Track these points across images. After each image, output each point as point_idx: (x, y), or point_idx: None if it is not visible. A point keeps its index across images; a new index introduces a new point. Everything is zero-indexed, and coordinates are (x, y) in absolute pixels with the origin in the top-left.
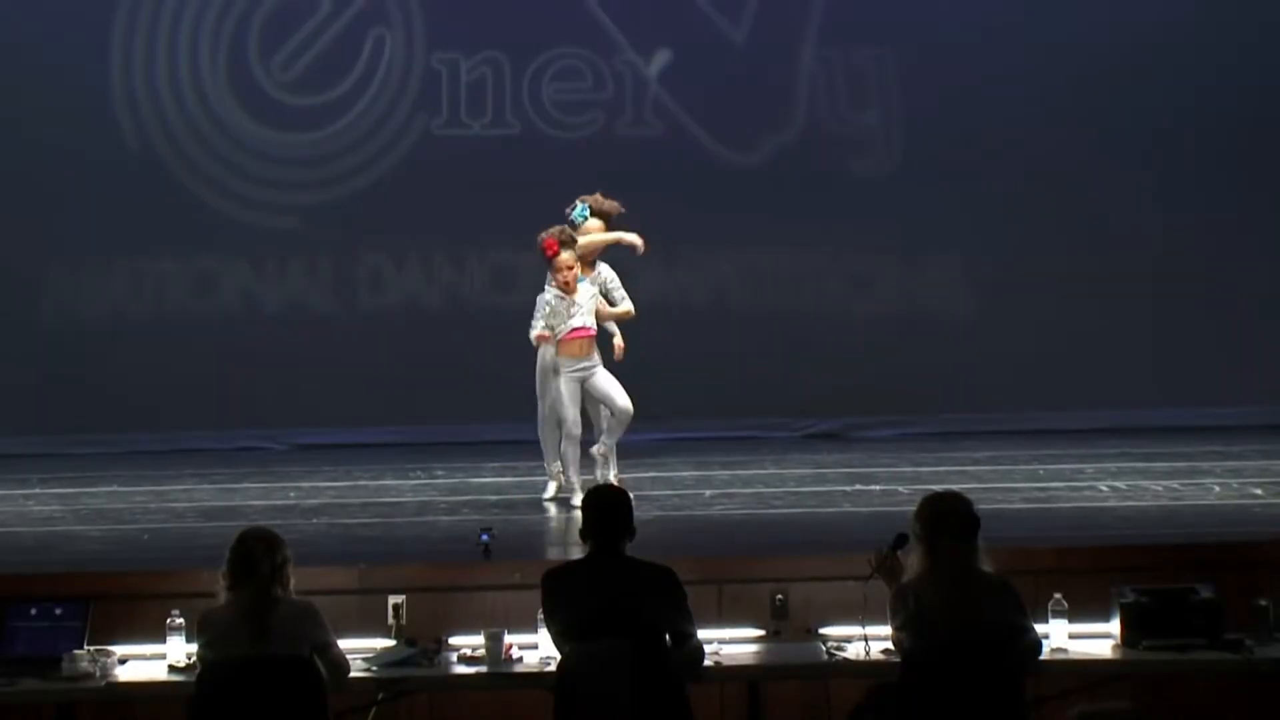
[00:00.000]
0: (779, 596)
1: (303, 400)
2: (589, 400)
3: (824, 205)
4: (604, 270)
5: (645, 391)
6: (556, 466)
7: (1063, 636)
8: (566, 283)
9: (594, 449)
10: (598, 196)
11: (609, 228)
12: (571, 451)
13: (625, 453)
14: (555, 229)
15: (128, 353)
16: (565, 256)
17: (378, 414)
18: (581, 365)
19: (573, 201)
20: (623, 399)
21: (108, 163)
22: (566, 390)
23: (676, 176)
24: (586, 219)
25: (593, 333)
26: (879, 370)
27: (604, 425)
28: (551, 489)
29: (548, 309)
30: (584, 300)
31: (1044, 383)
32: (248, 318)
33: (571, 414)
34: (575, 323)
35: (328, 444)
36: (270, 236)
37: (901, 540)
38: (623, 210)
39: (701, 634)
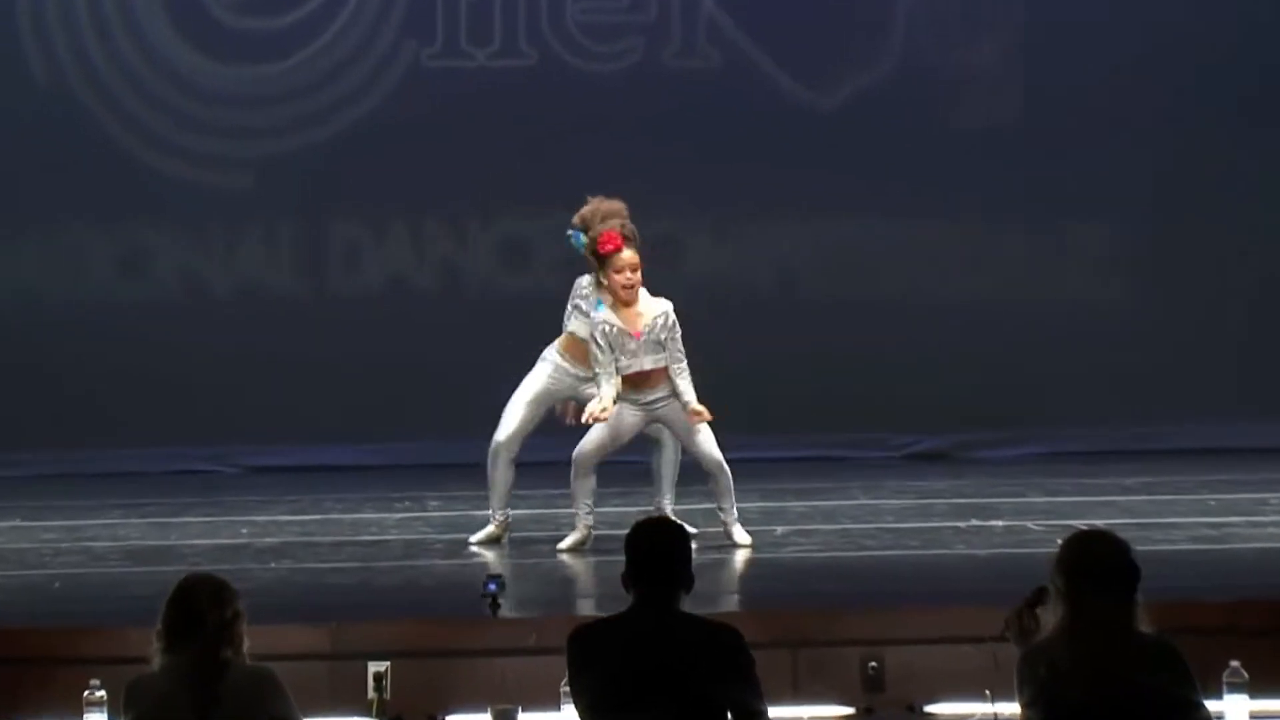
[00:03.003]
0: (872, 664)
1: (258, 410)
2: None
3: (925, 162)
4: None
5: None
6: (584, 511)
7: (1242, 715)
8: (628, 287)
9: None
10: (601, 204)
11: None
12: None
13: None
14: (615, 219)
15: (34, 349)
16: (629, 255)
17: (354, 428)
18: (649, 397)
19: (570, 228)
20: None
21: (8, 104)
22: (616, 422)
23: (736, 124)
24: (581, 251)
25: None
26: (999, 372)
27: (664, 471)
28: (572, 539)
29: (599, 336)
30: (648, 321)
31: (1214, 388)
32: (187, 303)
33: (592, 445)
34: (637, 362)
35: (290, 466)
36: (216, 198)
37: (1041, 595)
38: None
39: (772, 711)
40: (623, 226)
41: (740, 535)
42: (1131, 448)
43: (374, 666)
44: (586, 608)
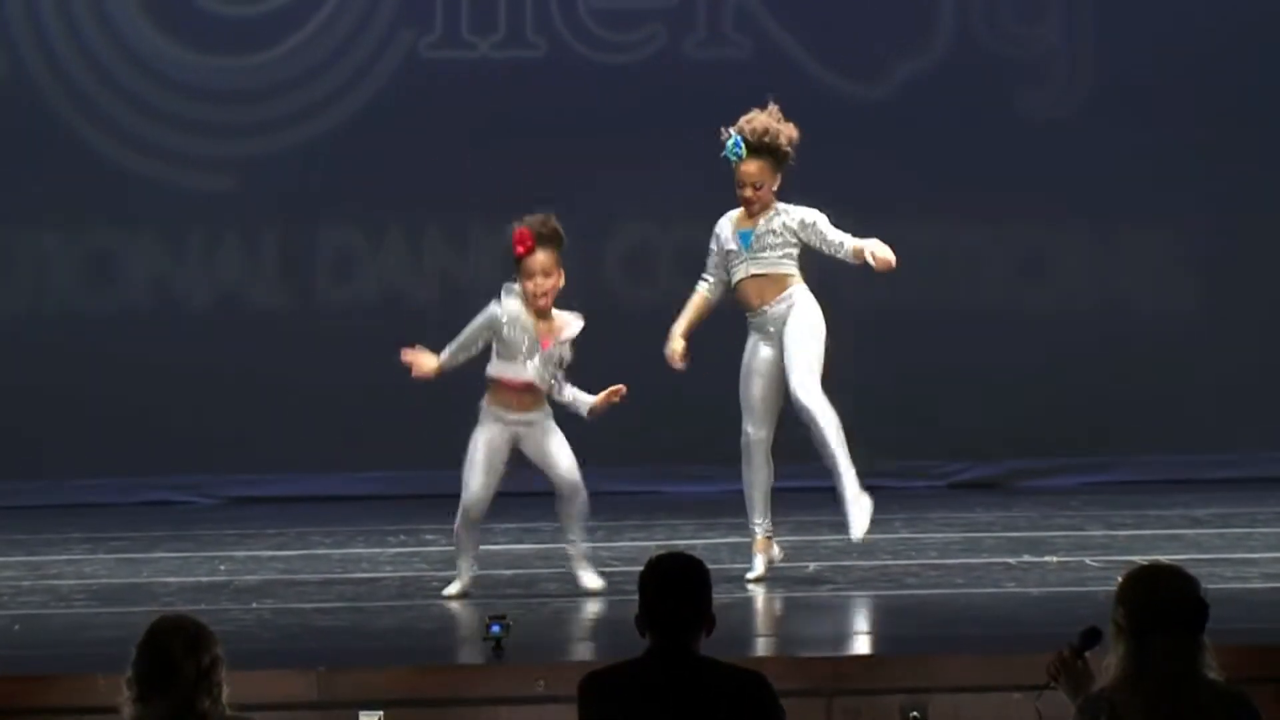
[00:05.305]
0: (914, 714)
1: (237, 435)
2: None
3: (980, 157)
4: (792, 212)
5: (718, 424)
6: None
7: None
8: (537, 296)
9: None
10: (765, 116)
11: (778, 169)
12: (466, 536)
13: (691, 510)
14: (536, 216)
15: None
16: (543, 258)
17: (343, 455)
18: (520, 416)
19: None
20: (567, 462)
21: None
22: (483, 444)
23: None
24: (742, 157)
25: (542, 390)
26: (1056, 392)
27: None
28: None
29: (504, 326)
30: (558, 338)
31: None
32: (159, 316)
33: (477, 482)
34: (516, 371)
35: (272, 496)
36: (193, 202)
37: (1092, 638)
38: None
39: None
40: (543, 223)
41: (590, 579)
42: (1202, 476)
43: (366, 716)
44: (599, 652)
